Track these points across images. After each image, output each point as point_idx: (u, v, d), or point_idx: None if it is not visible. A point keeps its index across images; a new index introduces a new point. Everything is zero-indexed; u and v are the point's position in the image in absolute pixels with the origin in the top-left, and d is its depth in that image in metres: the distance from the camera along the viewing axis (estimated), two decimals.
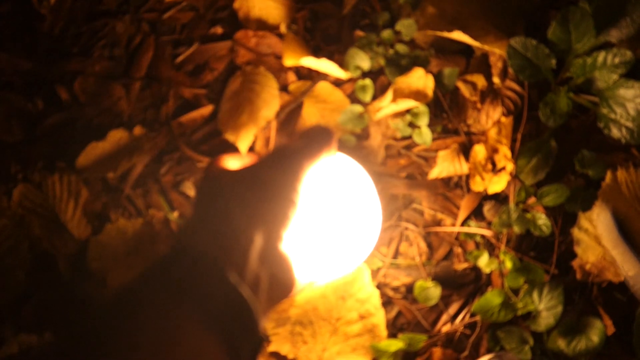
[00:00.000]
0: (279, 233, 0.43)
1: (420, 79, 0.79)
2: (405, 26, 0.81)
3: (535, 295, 0.72)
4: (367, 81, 0.82)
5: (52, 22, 0.89)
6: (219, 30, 0.88)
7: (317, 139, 0.48)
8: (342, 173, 0.52)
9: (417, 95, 0.80)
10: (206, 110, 0.86)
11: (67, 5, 0.90)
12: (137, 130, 0.85)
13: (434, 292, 0.78)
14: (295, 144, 0.47)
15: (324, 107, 0.84)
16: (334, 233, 0.50)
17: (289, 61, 0.82)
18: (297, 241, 0.47)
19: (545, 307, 0.72)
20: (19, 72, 0.89)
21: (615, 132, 0.75)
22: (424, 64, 0.81)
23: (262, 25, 0.86)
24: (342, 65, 0.82)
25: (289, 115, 0.85)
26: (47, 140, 0.87)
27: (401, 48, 0.81)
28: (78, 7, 0.90)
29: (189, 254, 0.40)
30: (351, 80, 0.84)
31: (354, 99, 0.83)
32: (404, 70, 0.80)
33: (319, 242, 0.49)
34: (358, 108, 0.82)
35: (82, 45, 0.89)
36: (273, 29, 0.86)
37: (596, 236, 0.79)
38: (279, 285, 0.44)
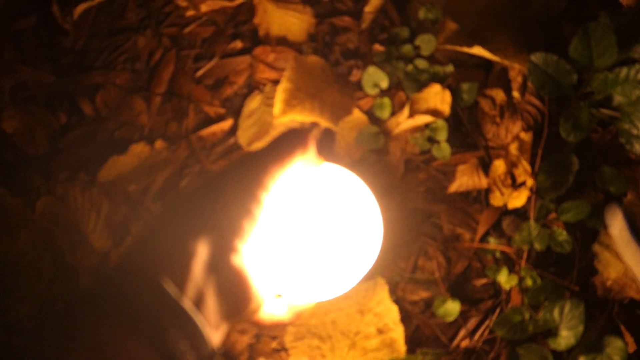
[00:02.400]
0: (230, 245, 0.40)
1: (437, 95, 0.79)
2: (425, 41, 0.81)
3: (556, 313, 0.72)
4: (385, 99, 0.81)
5: (75, 36, 0.91)
6: (238, 44, 0.88)
7: (287, 143, 0.44)
8: (332, 183, 0.48)
9: (434, 111, 0.80)
10: (226, 124, 0.86)
11: (89, 20, 0.91)
12: (158, 144, 0.86)
13: (453, 307, 0.78)
14: (261, 150, 0.44)
15: (342, 126, 0.83)
16: (325, 249, 0.47)
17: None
18: (271, 256, 0.45)
19: (566, 326, 0.71)
20: (42, 85, 0.90)
21: (637, 148, 0.74)
22: (443, 79, 0.81)
23: (282, 41, 0.87)
24: (360, 82, 0.83)
25: (322, 138, 0.85)
26: (70, 153, 0.88)
27: (420, 63, 0.81)
28: (100, 21, 0.91)
29: (127, 267, 0.39)
30: (368, 96, 0.84)
31: (371, 115, 0.83)
32: (422, 85, 0.80)
33: (308, 259, 0.47)
34: (373, 128, 0.82)
35: (104, 59, 0.90)
36: (293, 44, 0.87)
37: (618, 252, 0.78)
38: (232, 300, 0.41)
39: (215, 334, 0.40)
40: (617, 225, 0.76)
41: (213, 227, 0.40)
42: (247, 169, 0.43)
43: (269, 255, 0.45)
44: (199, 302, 0.39)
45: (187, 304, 0.38)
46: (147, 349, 0.36)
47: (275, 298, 0.50)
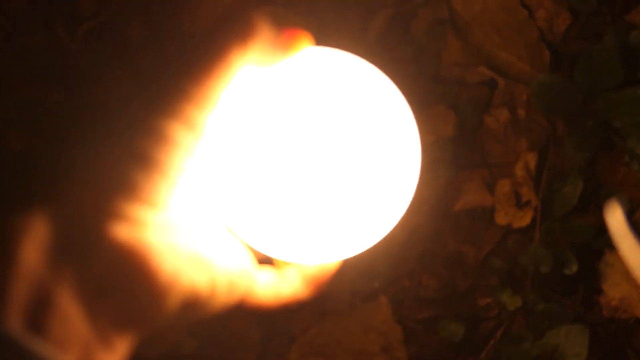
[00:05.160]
0: (104, 210, 0.25)
1: (440, 115, 0.79)
2: (429, 60, 0.81)
3: (559, 338, 0.72)
4: None
5: (80, 53, 0.91)
6: None
7: (212, 39, 0.26)
8: (328, 80, 0.30)
9: (438, 131, 0.80)
10: None
11: (94, 37, 0.91)
12: None
13: (458, 328, 0.78)
14: (167, 57, 0.27)
15: None
16: (337, 181, 0.30)
17: None
18: (255, 205, 0.29)
19: (570, 352, 0.71)
20: (49, 103, 0.91)
21: None
22: (448, 98, 0.80)
23: None
24: None
25: None
26: None
27: (424, 82, 0.81)
28: (105, 38, 0.91)
29: None
30: None
31: None
32: (426, 105, 0.80)
33: (314, 201, 0.30)
34: None
35: (108, 76, 0.90)
36: None
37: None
38: (120, 296, 0.25)
39: (101, 353, 0.25)
40: (615, 217, 0.75)
41: (72, 186, 0.25)
42: (142, 91, 0.27)
43: (249, 204, 0.29)
44: (43, 313, 0.23)
45: (8, 324, 0.22)
46: None
47: (272, 267, 0.33)
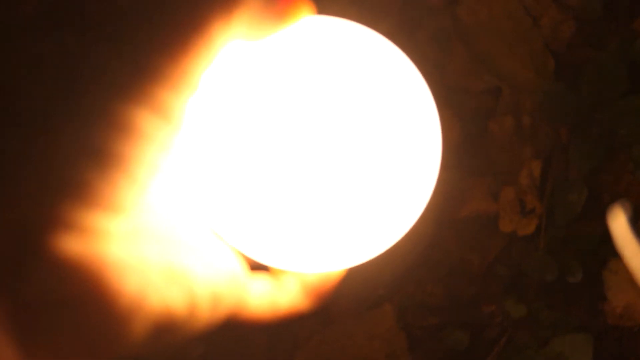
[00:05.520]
0: (54, 218, 0.19)
1: (444, 123, 0.79)
2: (433, 68, 0.81)
3: (564, 346, 0.72)
4: None
5: (86, 59, 0.92)
6: None
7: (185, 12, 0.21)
8: (335, 56, 0.25)
9: (443, 139, 0.80)
10: None
11: (101, 44, 0.92)
12: None
13: (463, 336, 0.78)
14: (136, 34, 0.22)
15: None
16: (342, 177, 0.26)
17: None
18: (244, 203, 0.24)
19: None
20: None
21: None
22: (452, 105, 0.81)
23: None
24: None
25: None
26: None
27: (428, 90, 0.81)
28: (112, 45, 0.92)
29: None
30: None
31: None
32: None
33: (315, 200, 0.25)
34: None
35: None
36: None
37: (627, 279, 0.77)
38: (71, 327, 0.20)
39: None
40: (618, 224, 0.75)
41: (7, 189, 0.20)
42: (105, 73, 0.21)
43: (240, 205, 0.25)
44: None
45: None
46: None
47: (267, 275, 0.29)
